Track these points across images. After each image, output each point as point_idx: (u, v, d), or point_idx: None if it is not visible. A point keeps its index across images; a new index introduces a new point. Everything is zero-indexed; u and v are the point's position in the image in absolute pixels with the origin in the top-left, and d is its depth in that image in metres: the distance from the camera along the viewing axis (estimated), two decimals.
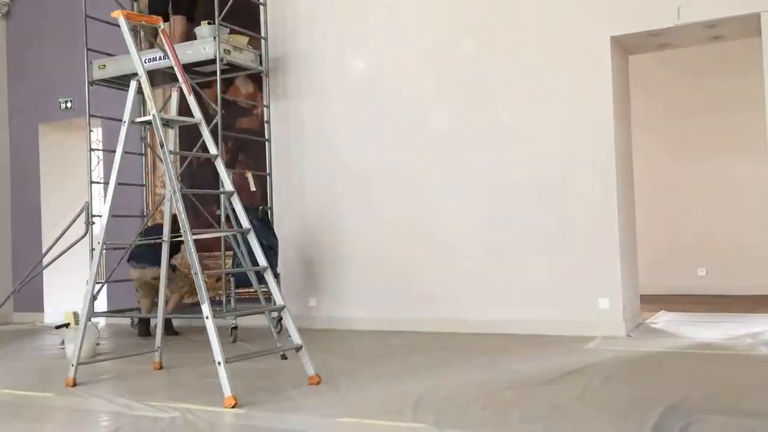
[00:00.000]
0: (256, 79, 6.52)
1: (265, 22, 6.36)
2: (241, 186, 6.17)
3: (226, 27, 5.95)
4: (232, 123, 6.53)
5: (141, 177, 7.07)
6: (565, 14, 5.31)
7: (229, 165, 6.53)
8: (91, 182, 6.41)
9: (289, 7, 6.37)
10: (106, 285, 6.90)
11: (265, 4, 6.37)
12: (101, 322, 7.13)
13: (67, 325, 4.86)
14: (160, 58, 5.67)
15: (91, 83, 6.35)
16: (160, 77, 6.23)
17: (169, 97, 6.42)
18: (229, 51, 5.85)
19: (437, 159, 5.74)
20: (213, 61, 5.77)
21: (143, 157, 7.05)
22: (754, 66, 5.26)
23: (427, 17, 5.82)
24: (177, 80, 5.10)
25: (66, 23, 7.41)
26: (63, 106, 7.62)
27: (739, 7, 4.83)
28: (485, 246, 5.55)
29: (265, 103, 6.37)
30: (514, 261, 5.45)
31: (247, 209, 5.04)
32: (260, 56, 6.27)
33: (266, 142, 6.34)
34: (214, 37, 5.73)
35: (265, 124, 6.37)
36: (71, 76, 7.17)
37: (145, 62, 5.50)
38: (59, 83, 7.58)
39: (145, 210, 7.06)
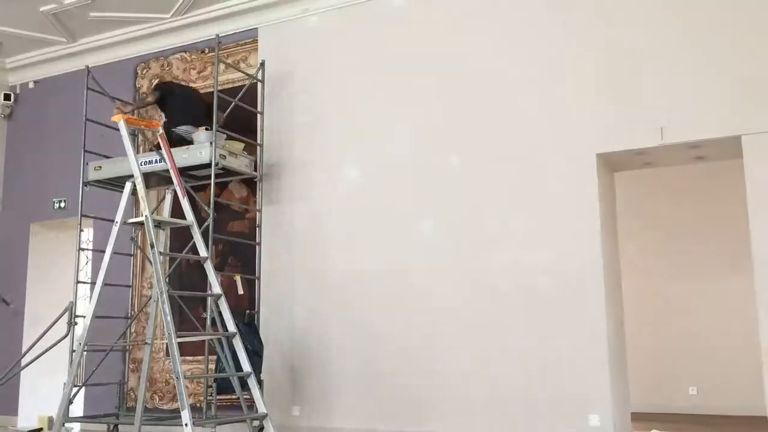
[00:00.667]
0: (250, 183, 6.61)
1: (262, 129, 6.53)
2: (229, 289, 6.13)
3: (224, 133, 6.11)
4: (224, 226, 6.55)
5: (128, 278, 7.02)
6: (553, 130, 5.47)
7: (218, 268, 6.53)
8: (77, 282, 6.35)
9: (286, 116, 6.55)
10: (84, 388, 6.72)
11: (262, 113, 6.56)
12: (75, 427, 6.88)
13: (39, 430, 4.69)
14: (156, 161, 5.78)
15: (85, 184, 6.41)
16: (155, 179, 6.31)
17: (163, 198, 6.51)
18: (225, 156, 5.97)
19: (427, 267, 5.75)
20: (208, 165, 5.88)
21: (132, 257, 7.04)
22: (737, 186, 5.38)
23: (419, 131, 5.98)
24: (172, 182, 5.21)
25: (66, 126, 7.58)
26: (57, 205, 7.67)
27: (721, 129, 4.99)
28: (474, 358, 5.46)
29: (257, 208, 6.44)
30: (502, 374, 5.35)
31: (234, 313, 4.99)
32: (255, 162, 6.40)
33: (257, 246, 6.37)
34: (211, 143, 5.86)
35: (257, 228, 6.41)
36: (67, 176, 7.26)
37: (142, 165, 5.60)
38: (54, 183, 7.65)
39: (129, 311, 6.97)
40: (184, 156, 5.89)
